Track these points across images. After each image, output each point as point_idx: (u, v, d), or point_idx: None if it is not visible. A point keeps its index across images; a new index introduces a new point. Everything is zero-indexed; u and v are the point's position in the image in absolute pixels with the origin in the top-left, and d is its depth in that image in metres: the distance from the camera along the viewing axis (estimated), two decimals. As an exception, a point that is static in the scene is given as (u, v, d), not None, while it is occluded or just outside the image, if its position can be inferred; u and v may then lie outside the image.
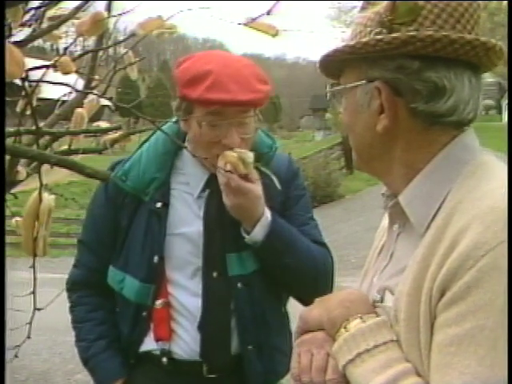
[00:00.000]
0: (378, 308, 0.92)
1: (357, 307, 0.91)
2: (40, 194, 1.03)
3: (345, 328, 0.89)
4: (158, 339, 1.56)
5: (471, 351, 0.74)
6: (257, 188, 1.46)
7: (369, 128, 0.91)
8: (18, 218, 2.12)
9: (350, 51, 0.89)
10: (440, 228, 0.83)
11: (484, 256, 0.75)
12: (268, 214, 1.50)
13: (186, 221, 1.57)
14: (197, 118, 1.48)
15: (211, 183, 1.58)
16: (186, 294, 1.55)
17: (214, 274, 1.54)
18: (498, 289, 0.74)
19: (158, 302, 1.55)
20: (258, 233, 1.48)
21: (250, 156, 1.38)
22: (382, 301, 0.92)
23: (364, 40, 0.87)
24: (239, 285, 1.54)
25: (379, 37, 0.85)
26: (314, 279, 1.53)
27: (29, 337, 1.14)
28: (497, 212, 0.77)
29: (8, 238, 1.22)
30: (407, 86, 0.86)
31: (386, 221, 1.06)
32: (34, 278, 1.10)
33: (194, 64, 1.50)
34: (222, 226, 1.55)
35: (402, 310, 0.84)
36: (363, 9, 0.93)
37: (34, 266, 1.07)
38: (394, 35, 0.84)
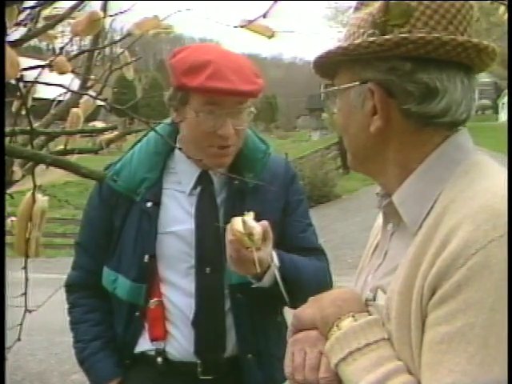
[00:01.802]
0: (370, 307, 0.93)
1: (349, 306, 0.92)
2: (33, 194, 1.03)
3: (337, 327, 0.89)
4: (152, 339, 1.56)
5: (461, 349, 0.74)
6: (267, 252, 1.41)
7: (362, 129, 0.91)
8: (13, 218, 2.12)
9: (342, 53, 0.89)
10: (432, 227, 0.83)
11: (474, 255, 0.75)
12: (275, 258, 1.46)
13: (178, 219, 1.57)
14: (194, 107, 1.47)
15: (203, 180, 1.58)
16: (178, 293, 1.55)
17: (207, 270, 1.54)
18: (489, 287, 0.74)
19: (152, 302, 1.54)
20: (267, 281, 1.46)
21: (258, 232, 1.34)
22: (374, 299, 0.93)
23: (357, 42, 0.87)
24: (239, 295, 1.53)
25: (371, 39, 0.85)
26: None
27: (19, 339, 1.13)
28: (488, 211, 0.77)
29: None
30: (399, 88, 0.86)
31: (380, 220, 1.07)
32: (26, 279, 1.09)
33: (191, 54, 1.50)
34: (214, 223, 1.55)
35: (393, 309, 0.85)
36: (357, 9, 0.93)
37: (25, 267, 1.07)
38: (386, 37, 0.84)
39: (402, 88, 0.86)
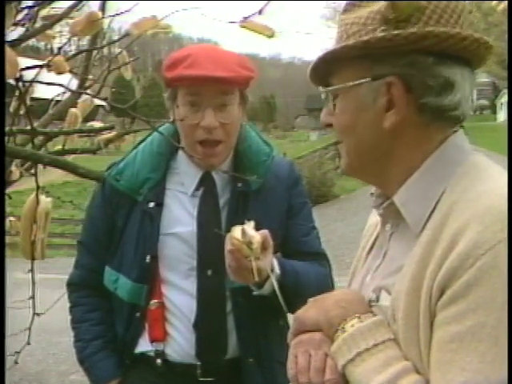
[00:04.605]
0: (373, 307, 0.92)
1: (354, 307, 0.91)
2: (37, 196, 1.02)
3: (343, 328, 0.89)
4: (152, 340, 1.55)
5: (472, 348, 0.75)
6: (266, 261, 1.38)
7: (373, 126, 0.90)
8: (11, 218, 2.12)
9: (362, 46, 0.88)
10: (436, 228, 0.84)
11: (484, 255, 0.75)
12: (276, 266, 1.45)
13: (180, 220, 1.56)
14: (179, 101, 1.49)
15: (205, 181, 1.57)
16: (179, 294, 1.55)
17: (209, 272, 1.53)
18: (498, 287, 0.74)
19: (152, 303, 1.54)
20: (267, 289, 1.44)
21: (257, 241, 1.33)
22: (377, 300, 0.92)
23: (380, 35, 0.87)
24: (240, 298, 1.53)
25: (396, 32, 0.86)
26: None
27: (28, 343, 1.12)
28: (495, 212, 0.78)
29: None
30: (419, 82, 0.87)
31: (372, 220, 1.07)
32: (33, 283, 1.08)
33: (177, 51, 1.56)
34: (216, 225, 1.54)
35: (400, 309, 0.85)
36: (347, 11, 0.93)
37: (32, 270, 1.06)
38: (411, 31, 0.86)
39: (422, 82, 0.87)
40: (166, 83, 1.53)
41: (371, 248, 1.05)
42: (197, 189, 1.58)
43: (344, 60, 0.91)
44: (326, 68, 0.94)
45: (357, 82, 0.90)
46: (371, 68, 0.89)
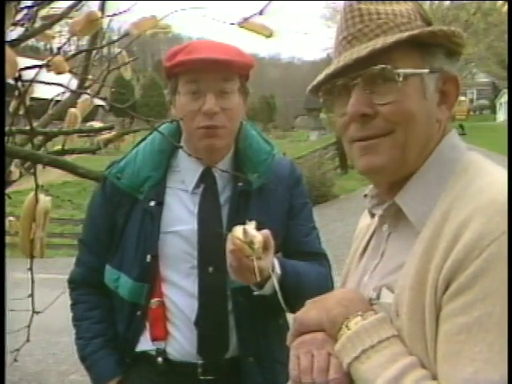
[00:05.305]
0: (374, 306, 0.93)
1: (355, 305, 0.92)
2: (36, 195, 1.02)
3: (346, 326, 0.89)
4: (153, 339, 1.55)
5: (480, 338, 0.75)
6: (268, 261, 1.39)
7: (431, 116, 0.92)
8: (11, 218, 2.12)
9: (445, 35, 0.90)
10: (439, 223, 0.85)
11: (489, 246, 0.77)
12: (277, 266, 1.45)
13: (181, 219, 1.56)
14: (181, 91, 1.51)
15: (205, 178, 1.58)
16: (180, 293, 1.55)
17: (210, 269, 1.53)
18: (504, 277, 0.76)
19: (153, 302, 1.54)
20: (268, 289, 1.45)
21: (258, 241, 1.33)
22: (378, 298, 0.93)
23: (459, 29, 0.91)
24: (241, 298, 1.53)
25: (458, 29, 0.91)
26: None
27: (28, 340, 1.12)
28: (497, 204, 0.80)
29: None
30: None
31: (363, 222, 1.09)
32: (32, 281, 1.08)
33: (176, 46, 1.58)
34: (217, 223, 1.54)
35: (404, 304, 0.85)
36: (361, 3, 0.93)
37: (31, 268, 1.06)
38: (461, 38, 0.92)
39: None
40: (166, 75, 1.54)
41: (365, 250, 1.06)
42: (197, 186, 1.58)
43: (404, 47, 0.89)
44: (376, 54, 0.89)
45: (426, 71, 0.91)
46: (429, 60, 0.91)
